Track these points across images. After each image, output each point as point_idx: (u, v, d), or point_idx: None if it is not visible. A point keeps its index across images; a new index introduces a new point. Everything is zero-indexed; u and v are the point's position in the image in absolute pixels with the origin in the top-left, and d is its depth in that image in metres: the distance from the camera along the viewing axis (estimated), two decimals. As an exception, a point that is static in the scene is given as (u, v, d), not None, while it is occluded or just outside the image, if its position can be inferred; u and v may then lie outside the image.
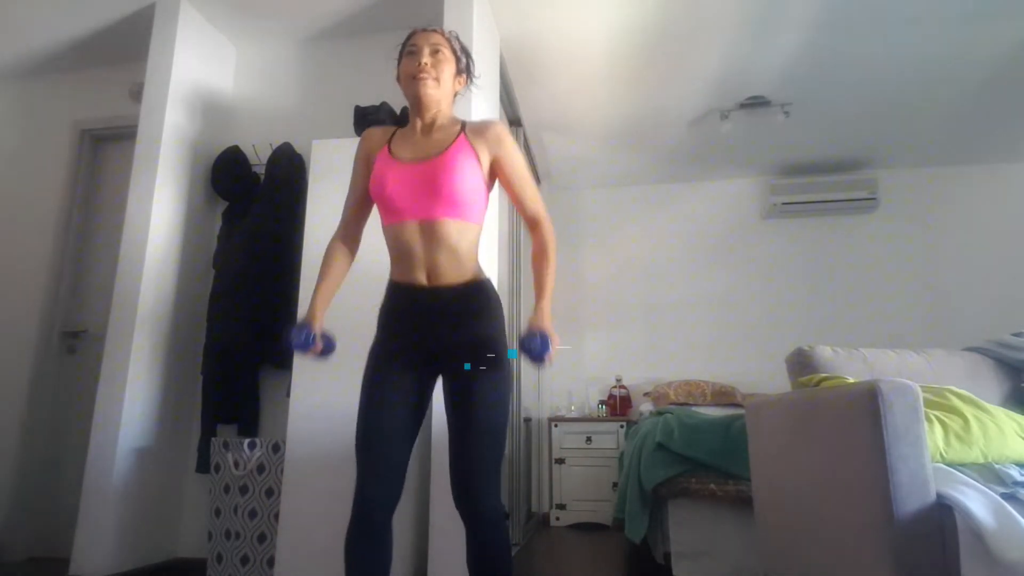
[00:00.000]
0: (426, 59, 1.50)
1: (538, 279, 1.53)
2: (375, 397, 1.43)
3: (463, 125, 1.55)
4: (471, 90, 1.70)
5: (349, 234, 1.63)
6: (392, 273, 1.53)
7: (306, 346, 1.47)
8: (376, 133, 1.61)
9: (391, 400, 1.43)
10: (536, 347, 1.35)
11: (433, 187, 1.44)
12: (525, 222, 1.60)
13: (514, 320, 3.61)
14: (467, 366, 1.42)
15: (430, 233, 1.44)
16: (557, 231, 1.59)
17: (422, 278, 1.46)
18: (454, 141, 1.49)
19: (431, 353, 1.46)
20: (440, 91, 1.52)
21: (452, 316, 1.45)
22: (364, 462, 1.40)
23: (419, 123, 1.54)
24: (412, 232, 1.45)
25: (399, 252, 1.48)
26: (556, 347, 1.38)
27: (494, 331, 1.48)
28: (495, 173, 1.56)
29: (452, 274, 1.46)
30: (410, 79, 1.51)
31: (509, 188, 1.57)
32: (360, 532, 1.38)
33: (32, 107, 3.59)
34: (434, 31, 1.55)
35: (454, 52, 1.56)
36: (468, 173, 1.46)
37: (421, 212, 1.45)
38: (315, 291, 1.56)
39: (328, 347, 1.53)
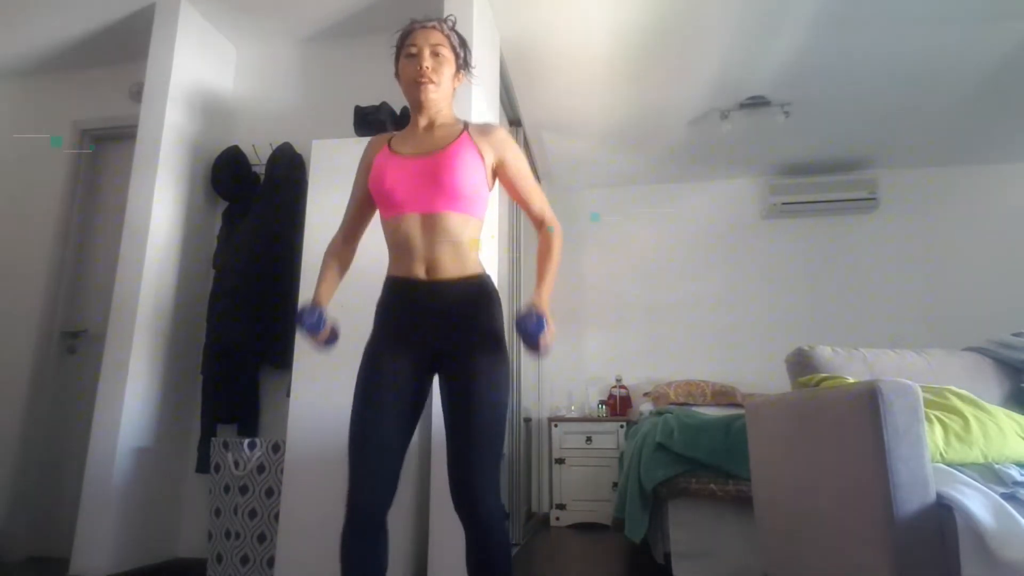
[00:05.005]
0: (427, 63, 1.49)
1: (540, 267, 1.53)
2: (372, 397, 1.40)
3: (466, 124, 1.56)
4: (470, 84, 1.70)
5: (347, 239, 1.63)
6: (390, 268, 1.52)
7: (318, 327, 1.46)
8: (376, 139, 1.62)
9: (387, 399, 1.40)
10: (531, 325, 1.33)
11: (436, 180, 1.43)
12: (532, 222, 1.61)
13: (513, 318, 3.59)
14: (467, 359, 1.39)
15: (431, 226, 1.44)
16: (556, 231, 1.59)
17: (421, 272, 1.44)
18: (458, 137, 1.50)
19: (429, 349, 1.44)
20: (441, 93, 1.52)
21: (451, 311, 1.43)
22: (357, 464, 1.37)
23: (420, 122, 1.55)
24: (413, 225, 1.44)
25: (398, 246, 1.47)
26: (552, 334, 1.36)
27: (494, 327, 1.46)
28: (497, 174, 1.57)
29: (452, 268, 1.44)
30: (412, 83, 1.51)
31: (514, 190, 1.58)
32: (354, 535, 1.36)
33: (32, 107, 3.59)
34: (433, 27, 1.53)
35: (453, 49, 1.55)
36: (471, 168, 1.46)
37: (422, 205, 1.44)
38: (317, 286, 1.57)
39: (333, 336, 1.53)
